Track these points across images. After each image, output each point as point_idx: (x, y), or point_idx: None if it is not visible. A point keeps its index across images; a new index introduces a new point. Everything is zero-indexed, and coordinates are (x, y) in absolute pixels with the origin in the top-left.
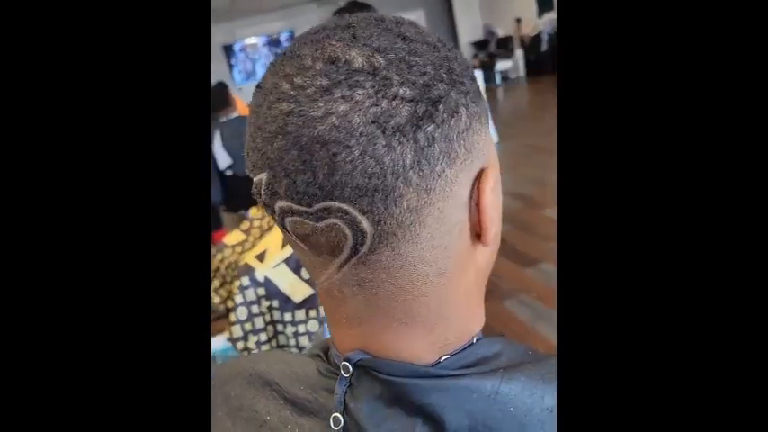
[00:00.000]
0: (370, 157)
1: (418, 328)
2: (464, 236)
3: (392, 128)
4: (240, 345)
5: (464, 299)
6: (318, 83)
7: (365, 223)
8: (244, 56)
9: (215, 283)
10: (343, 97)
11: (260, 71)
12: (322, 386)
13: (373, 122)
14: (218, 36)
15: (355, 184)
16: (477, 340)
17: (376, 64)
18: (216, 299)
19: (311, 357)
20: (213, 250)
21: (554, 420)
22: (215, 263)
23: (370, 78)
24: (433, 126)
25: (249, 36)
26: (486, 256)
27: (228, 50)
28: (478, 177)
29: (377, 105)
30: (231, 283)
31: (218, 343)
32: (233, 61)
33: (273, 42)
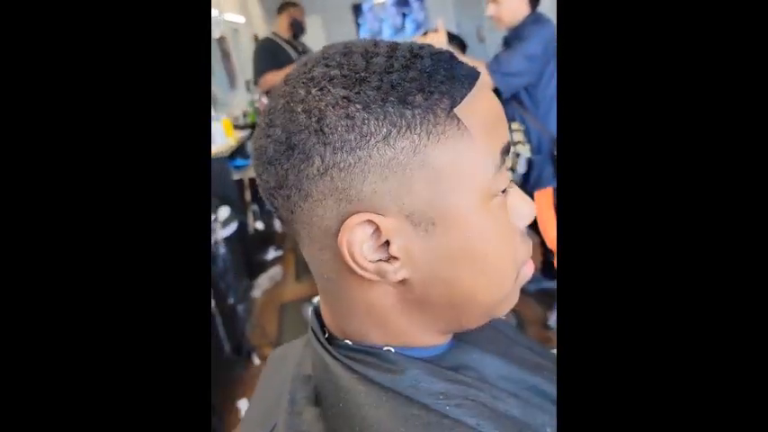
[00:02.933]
0: (258, 174)
1: (328, 309)
2: (339, 261)
3: (266, 159)
4: None
5: (365, 311)
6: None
7: (275, 214)
8: (372, 16)
9: None
10: (261, 127)
11: (386, 31)
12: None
13: (256, 151)
14: None
15: (259, 188)
16: (386, 349)
17: (276, 106)
18: None
19: None
20: None
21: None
22: None
23: (266, 118)
24: (287, 165)
25: None
26: (402, 290)
27: (357, 10)
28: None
29: (261, 140)
30: None
31: None
32: (360, 20)
33: (401, 2)
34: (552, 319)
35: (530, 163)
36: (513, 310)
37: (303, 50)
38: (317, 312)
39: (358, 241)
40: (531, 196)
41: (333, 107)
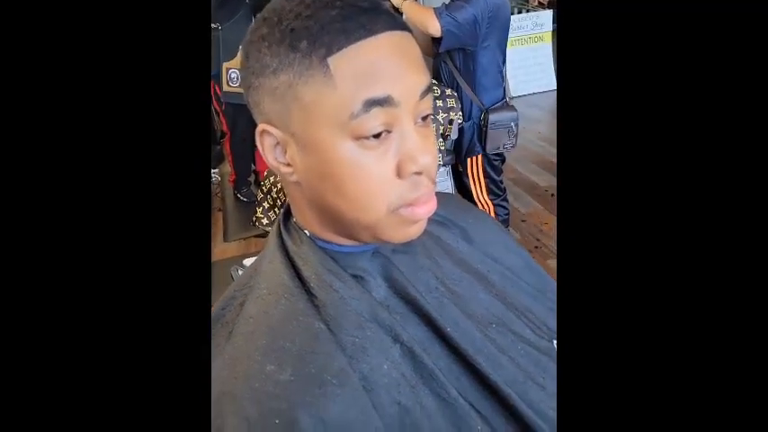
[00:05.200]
0: None
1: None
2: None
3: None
4: None
5: (291, 195)
6: None
7: None
8: None
9: (265, 205)
10: None
11: None
12: None
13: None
14: None
15: None
16: (299, 225)
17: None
18: (265, 221)
19: None
20: (266, 173)
21: None
22: (267, 185)
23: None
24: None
25: None
26: (302, 189)
27: None
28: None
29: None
30: (281, 207)
31: None
32: None
33: None
34: None
35: (461, 130)
36: None
37: None
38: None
39: (267, 145)
40: (465, 163)
41: (256, 41)
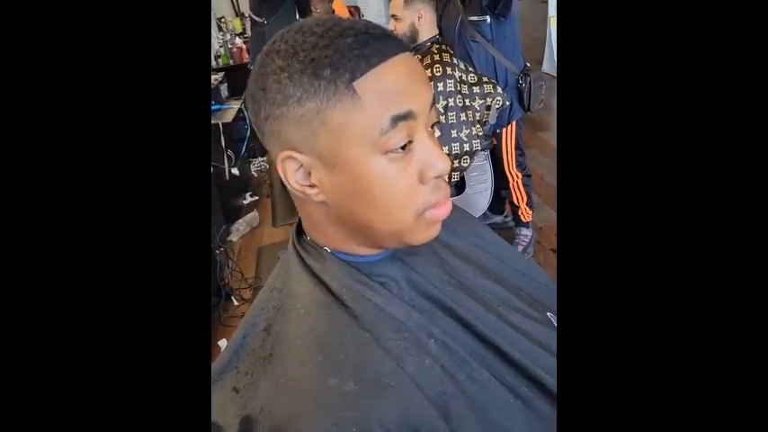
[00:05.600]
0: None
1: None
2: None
3: (248, 104)
4: None
5: (308, 218)
6: None
7: None
8: None
9: None
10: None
11: None
12: None
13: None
14: None
15: None
16: (323, 247)
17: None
18: None
19: None
20: None
21: None
22: None
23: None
24: (254, 108)
25: None
26: (326, 209)
27: None
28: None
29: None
30: None
31: None
32: None
33: None
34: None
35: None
36: None
37: None
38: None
39: (289, 170)
40: (500, 135)
41: (272, 74)
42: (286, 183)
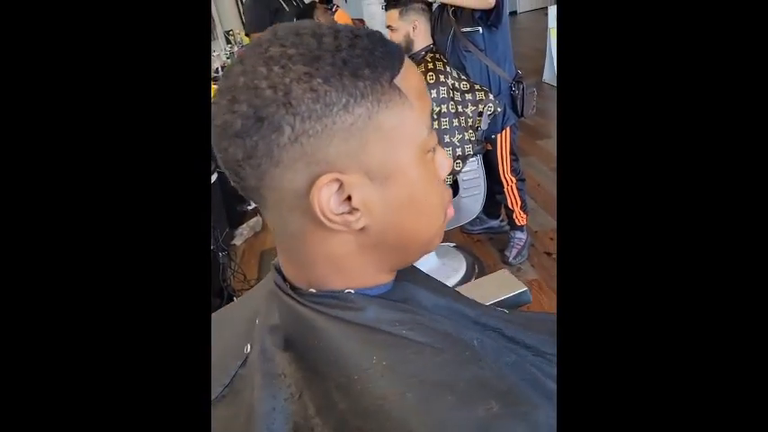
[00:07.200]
0: (221, 149)
1: (292, 265)
2: (307, 218)
3: (231, 133)
4: None
5: (325, 262)
6: (220, 86)
7: (238, 186)
8: None
9: None
10: (216, 103)
11: None
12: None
13: (220, 126)
14: None
15: (222, 163)
16: (347, 292)
17: (237, 83)
18: None
19: None
20: None
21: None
22: None
23: (228, 94)
24: (256, 137)
25: None
26: (361, 238)
27: None
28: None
29: (224, 115)
30: None
31: None
32: None
33: None
34: (508, 254)
35: (495, 113)
36: (474, 257)
37: (298, 3)
38: (277, 269)
39: (326, 198)
40: (495, 141)
41: (297, 82)
42: (321, 216)
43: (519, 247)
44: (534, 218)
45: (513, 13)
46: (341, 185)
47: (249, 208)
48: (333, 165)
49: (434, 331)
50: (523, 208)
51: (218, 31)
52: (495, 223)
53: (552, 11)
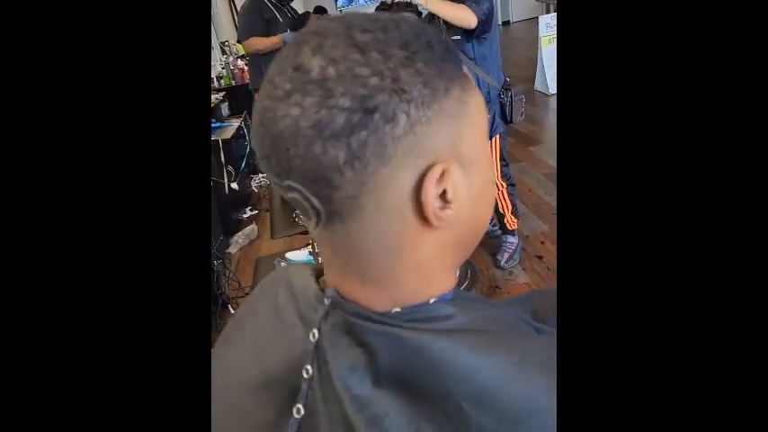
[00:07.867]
0: (311, 155)
1: (371, 286)
2: (408, 222)
3: (329, 133)
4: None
5: (415, 272)
6: (284, 87)
7: (315, 201)
8: None
9: None
10: (296, 103)
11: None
12: (314, 306)
13: (313, 128)
14: None
15: (302, 173)
16: (433, 302)
17: (326, 74)
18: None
19: (312, 273)
20: None
21: (483, 400)
22: None
23: (318, 88)
24: (365, 132)
25: None
26: (443, 236)
27: None
28: (425, 173)
29: (318, 113)
30: None
31: (301, 255)
32: None
33: None
34: (500, 258)
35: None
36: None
37: (292, 14)
38: (335, 300)
39: (433, 194)
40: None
41: (403, 67)
42: (431, 214)
43: (510, 251)
44: (525, 222)
45: (507, 23)
46: (441, 177)
47: (245, 216)
48: (438, 155)
49: (498, 321)
50: (514, 212)
51: (214, 41)
52: (489, 228)
53: (543, 20)
